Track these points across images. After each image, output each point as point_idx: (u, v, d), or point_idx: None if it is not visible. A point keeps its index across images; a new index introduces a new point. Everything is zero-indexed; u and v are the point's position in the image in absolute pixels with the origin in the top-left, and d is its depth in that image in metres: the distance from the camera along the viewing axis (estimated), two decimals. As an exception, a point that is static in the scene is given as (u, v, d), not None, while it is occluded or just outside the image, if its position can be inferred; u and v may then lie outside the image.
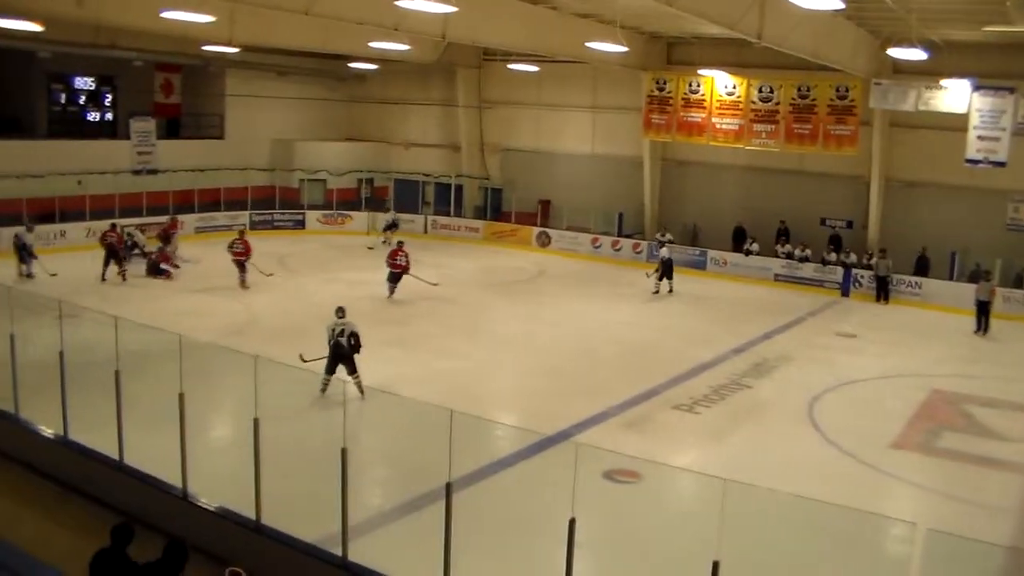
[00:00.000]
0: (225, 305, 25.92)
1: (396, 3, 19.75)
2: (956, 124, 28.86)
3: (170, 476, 11.81)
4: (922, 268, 31.19)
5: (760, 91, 33.43)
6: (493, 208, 41.91)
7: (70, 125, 38.86)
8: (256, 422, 10.78)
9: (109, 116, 40.53)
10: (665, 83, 35.54)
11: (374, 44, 30.37)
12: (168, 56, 37.17)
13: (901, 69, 29.60)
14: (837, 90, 31.89)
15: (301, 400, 17.24)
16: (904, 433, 18.01)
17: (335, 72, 43.42)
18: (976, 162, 28.71)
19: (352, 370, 17.91)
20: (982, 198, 30.53)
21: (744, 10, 21.13)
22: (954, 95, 28.39)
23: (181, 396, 11.47)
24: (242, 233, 29.98)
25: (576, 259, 37.01)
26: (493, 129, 42.81)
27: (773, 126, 33.28)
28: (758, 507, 11.38)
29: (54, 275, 27.24)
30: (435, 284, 28.74)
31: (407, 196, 42.95)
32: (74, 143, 36.27)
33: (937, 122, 30.07)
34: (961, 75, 28.16)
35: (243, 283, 28.20)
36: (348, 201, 41.90)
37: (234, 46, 31.57)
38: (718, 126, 34.48)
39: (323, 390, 17.68)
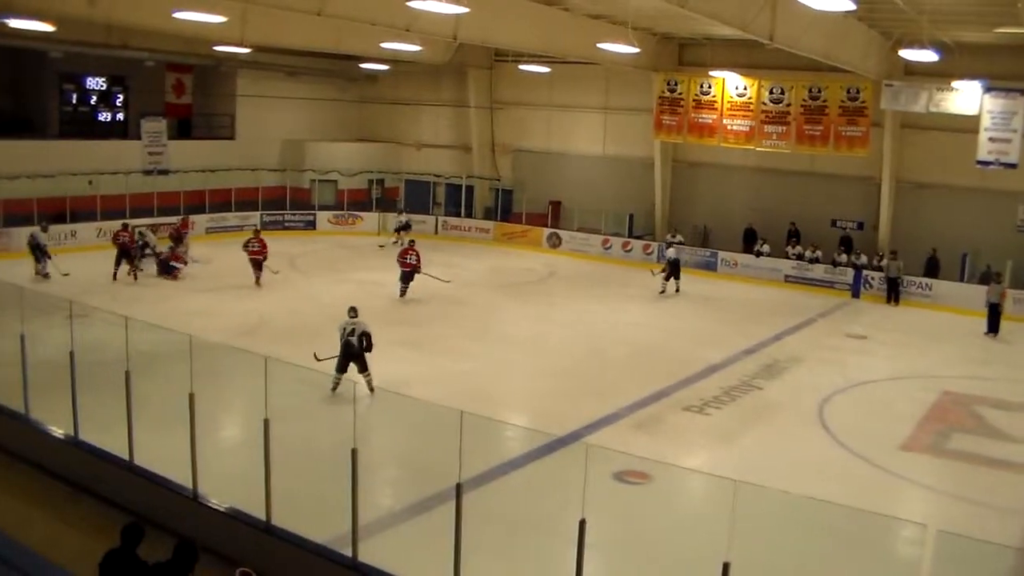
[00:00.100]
0: (235, 305, 25.95)
1: (408, 4, 19.75)
2: (967, 126, 28.84)
3: (180, 476, 11.81)
4: (932, 269, 31.11)
5: (771, 92, 33.39)
6: (504, 209, 41.86)
7: (81, 125, 38.92)
8: (266, 423, 10.78)
9: (120, 116, 40.59)
10: (676, 84, 35.53)
11: (386, 45, 30.37)
12: (179, 56, 37.26)
13: (912, 70, 29.52)
14: (848, 91, 31.84)
15: (311, 401, 17.24)
16: (914, 435, 17.97)
17: (346, 73, 43.46)
18: (987, 164, 28.70)
19: (363, 368, 18.02)
20: (993, 200, 30.45)
21: (756, 11, 21.10)
22: (965, 97, 28.36)
23: (191, 396, 11.49)
24: (258, 232, 30.22)
25: (587, 260, 36.99)
26: (504, 130, 42.82)
27: (784, 127, 33.23)
28: (768, 508, 11.37)
29: (66, 274, 27.38)
30: (447, 281, 28.81)
31: (418, 197, 42.92)
32: (85, 143, 36.34)
33: (948, 124, 30.03)
34: (972, 77, 28.13)
35: (257, 281, 28.40)
36: (359, 202, 41.90)
37: (246, 46, 31.62)
38: (729, 127, 34.45)
39: (334, 389, 17.68)
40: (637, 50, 26.61)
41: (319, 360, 17.98)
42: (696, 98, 35.12)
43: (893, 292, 30.88)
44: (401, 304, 27.09)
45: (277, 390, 11.02)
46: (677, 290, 30.86)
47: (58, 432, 13.73)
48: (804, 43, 23.62)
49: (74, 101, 39.39)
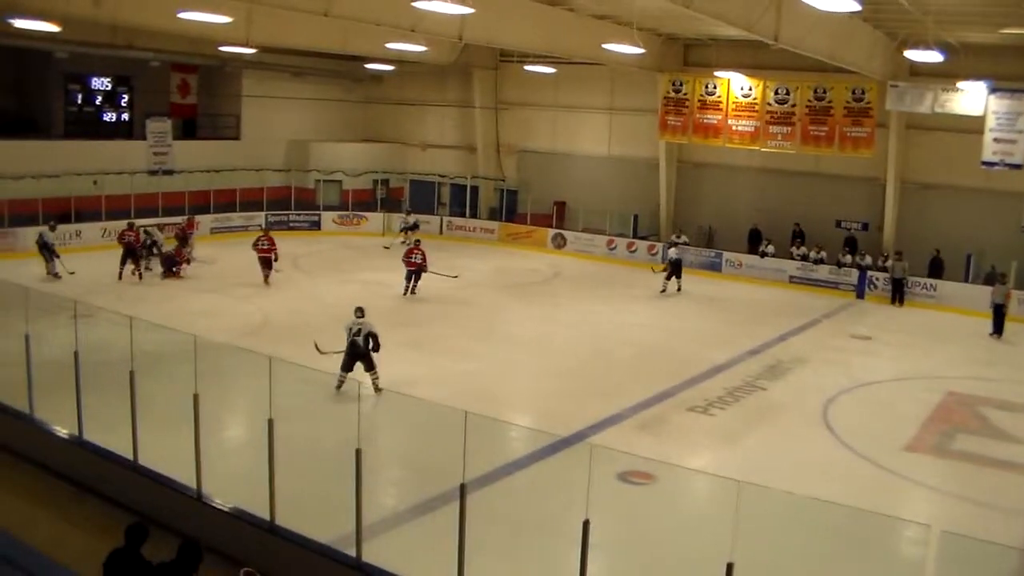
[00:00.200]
0: (240, 305, 25.98)
1: (413, 4, 19.77)
2: (972, 126, 28.82)
3: (184, 476, 11.83)
4: (936, 270, 31.07)
5: (776, 93, 33.38)
6: (508, 209, 41.80)
7: (86, 125, 38.95)
8: (270, 423, 10.79)
9: (125, 116, 40.60)
10: (681, 85, 35.53)
11: (391, 45, 30.36)
12: (185, 56, 37.32)
13: (917, 71, 29.53)
14: (853, 92, 31.83)
15: (315, 401, 17.26)
16: (919, 435, 17.96)
17: (351, 73, 43.49)
18: (992, 164, 28.68)
19: (369, 368, 18.14)
20: (998, 200, 30.41)
21: (761, 12, 21.09)
22: (970, 97, 28.35)
23: (196, 396, 11.49)
24: (267, 231, 30.42)
25: (591, 261, 36.97)
26: (509, 130, 42.81)
27: (789, 128, 33.23)
28: (772, 509, 11.36)
29: (72, 273, 27.51)
30: (455, 277, 28.97)
31: (422, 197, 42.92)
32: (90, 143, 36.37)
33: (953, 124, 30.01)
34: (977, 77, 28.13)
35: (267, 280, 28.64)
36: (364, 202, 41.93)
37: (251, 47, 31.64)
38: (734, 128, 34.45)
39: (338, 387, 17.79)
40: (642, 51, 26.61)
41: (320, 352, 18.19)
42: (701, 99, 35.11)
43: (898, 293, 30.84)
44: (406, 304, 27.13)
45: (281, 390, 11.03)
46: (679, 289, 30.92)
47: (62, 432, 13.76)
48: (809, 44, 23.59)
49: (79, 101, 39.41)
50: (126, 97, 40.74)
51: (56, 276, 27.60)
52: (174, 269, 29.21)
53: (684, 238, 35.48)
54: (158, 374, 13.98)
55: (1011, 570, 10.66)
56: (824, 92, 32.44)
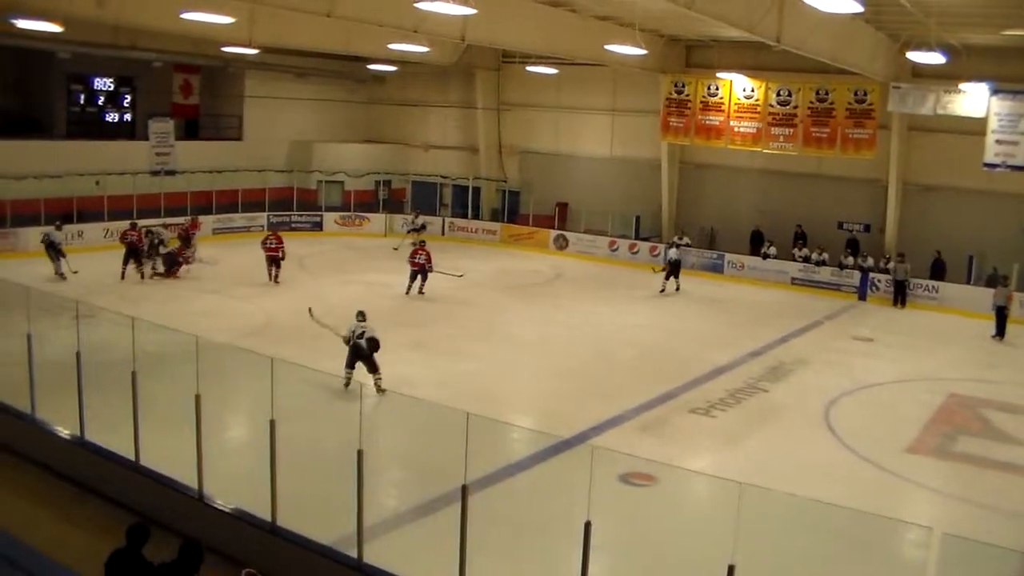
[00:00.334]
0: (242, 306, 26.00)
1: (416, 5, 19.77)
2: (974, 128, 28.80)
3: (186, 477, 11.84)
4: (937, 272, 31.07)
5: (778, 94, 33.39)
6: (510, 210, 41.79)
7: (89, 126, 38.94)
8: (272, 424, 10.79)
9: (128, 117, 40.59)
10: (683, 86, 35.54)
11: (393, 46, 30.35)
12: (187, 57, 37.33)
13: (920, 73, 29.52)
14: (855, 94, 31.84)
15: (317, 401, 17.28)
16: (920, 437, 17.96)
17: (354, 74, 43.50)
18: (994, 166, 28.67)
19: (372, 369, 18.27)
20: (1000, 202, 30.42)
21: (763, 13, 21.08)
22: (973, 99, 28.35)
23: (197, 397, 11.50)
24: (275, 230, 30.75)
25: (593, 262, 36.97)
26: (511, 131, 42.83)
27: (791, 129, 33.24)
28: (774, 511, 11.36)
29: (75, 272, 27.56)
30: (460, 275, 29.01)
31: (425, 198, 42.87)
32: (93, 144, 36.37)
33: (955, 126, 29.99)
34: (980, 79, 28.13)
35: (276, 279, 29.00)
36: (366, 203, 41.98)
37: (253, 47, 31.63)
38: (736, 129, 34.47)
39: (346, 385, 17.95)
40: (644, 52, 26.61)
41: (312, 316, 19.25)
42: (703, 100, 35.13)
43: (900, 295, 30.83)
44: (408, 305, 27.13)
45: (283, 391, 11.04)
46: (677, 289, 31.05)
47: (64, 432, 13.77)
48: (811, 45, 23.59)
49: (82, 102, 39.41)
50: (128, 97, 40.73)
51: (62, 276, 27.61)
52: (172, 268, 29.23)
53: (686, 239, 35.49)
54: (160, 374, 13.99)
55: (1013, 573, 10.64)
56: (826, 94, 32.46)
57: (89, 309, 17.39)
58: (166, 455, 12.35)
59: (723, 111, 34.70)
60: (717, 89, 34.80)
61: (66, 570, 9.32)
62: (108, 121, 40.02)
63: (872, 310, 30.67)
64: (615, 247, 37.50)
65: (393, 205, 42.71)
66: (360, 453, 10.11)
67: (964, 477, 16.26)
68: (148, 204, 34.68)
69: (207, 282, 28.89)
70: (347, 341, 18.45)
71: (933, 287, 30.79)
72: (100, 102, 39.94)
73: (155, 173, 37.07)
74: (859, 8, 17.11)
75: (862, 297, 31.87)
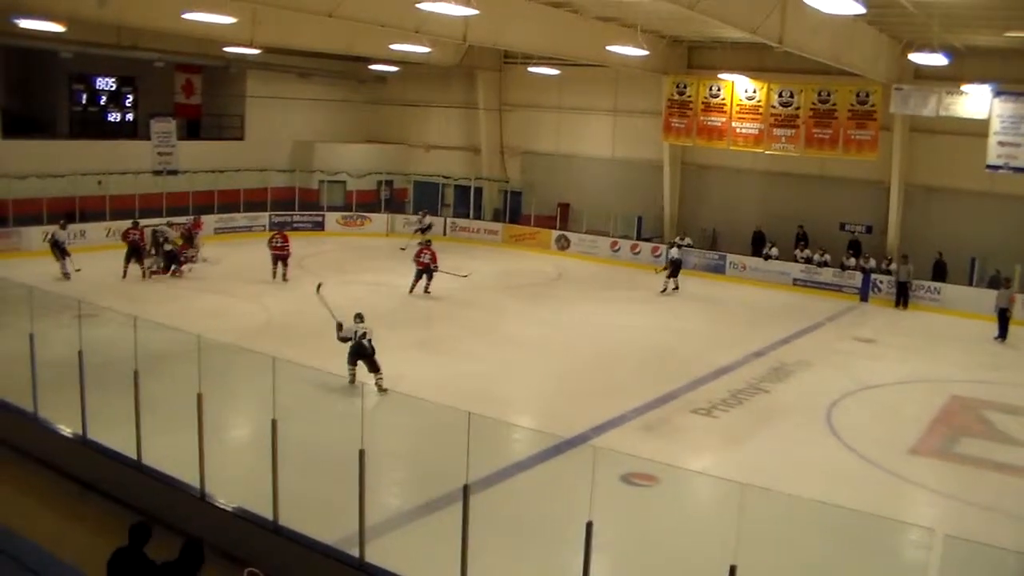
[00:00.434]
0: (244, 305, 26.01)
1: (418, 6, 19.78)
2: (977, 130, 28.76)
3: (188, 476, 11.86)
4: (939, 273, 31.06)
5: (780, 95, 33.39)
6: (512, 211, 41.78)
7: (91, 125, 38.90)
8: (274, 423, 10.79)
9: (130, 116, 40.55)
10: (685, 87, 35.54)
11: (395, 46, 30.37)
12: (189, 57, 37.35)
13: (922, 74, 29.52)
14: (857, 95, 31.83)
15: (319, 401, 17.29)
16: (922, 439, 17.95)
17: (356, 74, 43.53)
18: (997, 168, 28.65)
19: (373, 368, 18.36)
20: (1002, 204, 30.41)
21: (766, 14, 21.09)
22: (975, 100, 28.32)
23: (199, 396, 11.52)
24: (282, 229, 31.01)
25: (595, 262, 36.97)
26: (513, 132, 42.85)
27: (793, 131, 33.22)
28: (775, 511, 11.37)
29: (78, 270, 27.63)
30: (465, 276, 29.01)
31: (427, 198, 42.88)
32: (95, 143, 36.35)
33: (958, 127, 29.92)
34: (982, 80, 28.12)
35: (285, 276, 29.37)
36: (368, 203, 41.97)
37: (255, 47, 31.65)
38: (738, 130, 34.46)
39: (351, 381, 18.07)
40: (646, 53, 26.61)
41: (318, 293, 19.71)
42: (705, 101, 35.13)
43: (903, 296, 30.82)
44: (409, 305, 27.15)
45: (285, 390, 11.05)
46: (675, 288, 31.14)
47: (67, 431, 13.79)
48: (813, 46, 23.59)
49: (84, 101, 39.37)
50: (131, 97, 40.67)
51: (67, 276, 27.63)
52: (173, 267, 29.24)
53: (688, 240, 35.49)
54: (162, 373, 14.01)
55: (1015, 574, 10.65)
56: (828, 95, 32.45)
57: (91, 308, 17.39)
58: (168, 454, 12.37)
59: (725, 112, 34.70)
60: (719, 90, 34.80)
61: (69, 567, 9.32)
62: (110, 121, 39.98)
63: (874, 311, 30.66)
64: (617, 248, 37.49)
65: (395, 205, 42.72)
66: (362, 453, 10.12)
67: (966, 478, 16.25)
68: (150, 204, 34.64)
69: (209, 281, 28.92)
70: (344, 340, 18.59)
71: (935, 288, 30.77)
72: (102, 102, 39.90)
73: (157, 173, 37.08)
74: (861, 9, 17.08)
75: (864, 298, 31.85)
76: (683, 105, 35.63)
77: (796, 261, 33.63)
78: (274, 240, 29.69)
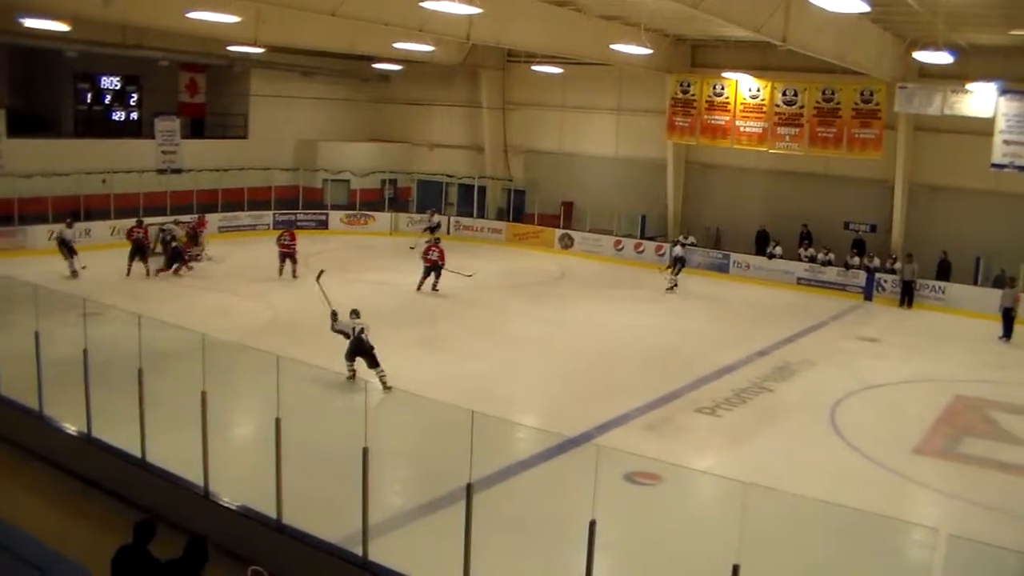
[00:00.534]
0: (248, 304, 26.04)
1: (421, 4, 19.78)
2: (982, 128, 28.71)
3: (192, 474, 11.86)
4: (943, 272, 31.04)
5: (784, 94, 33.35)
6: (516, 210, 41.82)
7: (96, 124, 39.03)
8: (278, 422, 10.81)
9: (134, 115, 40.68)
10: (689, 86, 35.52)
11: (399, 45, 30.42)
12: (193, 56, 37.38)
13: (926, 73, 29.46)
14: (862, 94, 31.79)
15: (322, 399, 17.29)
16: (926, 438, 17.93)
17: (359, 73, 43.55)
18: (1002, 167, 28.60)
19: (373, 364, 18.35)
20: (1007, 203, 30.34)
21: (769, 13, 21.08)
22: (980, 99, 28.25)
23: (203, 394, 11.53)
24: (290, 227, 31.45)
25: (599, 261, 36.96)
26: (517, 131, 42.85)
27: (797, 129, 33.19)
28: (779, 511, 11.37)
29: (84, 268, 27.76)
30: (470, 275, 29.07)
31: (430, 197, 42.92)
32: (99, 142, 36.44)
33: (962, 126, 29.89)
34: (987, 79, 28.05)
35: (294, 273, 29.60)
36: (371, 202, 41.95)
37: (259, 46, 31.72)
38: (742, 129, 34.43)
39: (350, 377, 18.14)
40: (650, 51, 26.64)
41: (318, 280, 20.19)
42: (709, 100, 35.10)
43: (907, 295, 30.79)
44: (413, 304, 27.18)
45: (289, 388, 11.05)
46: (675, 285, 31.25)
47: (71, 429, 13.80)
48: (817, 45, 23.57)
49: (88, 100, 39.50)
50: (135, 96, 40.83)
51: (75, 275, 27.66)
52: (176, 265, 29.27)
53: (692, 239, 35.49)
54: (166, 372, 14.04)
55: (1019, 574, 10.64)
56: (832, 94, 32.41)
57: (96, 306, 17.45)
58: (172, 452, 12.39)
59: (729, 111, 34.67)
60: (723, 89, 34.77)
61: (73, 564, 9.33)
62: (115, 119, 40.11)
63: (878, 310, 30.65)
64: (620, 246, 37.50)
65: (399, 204, 42.75)
66: (365, 451, 10.11)
67: (970, 478, 16.22)
68: (154, 202, 34.66)
69: (213, 280, 28.97)
70: (338, 331, 18.75)
71: (940, 288, 30.74)
72: (107, 101, 40.04)
73: (161, 171, 37.12)
74: (865, 8, 17.09)
75: (868, 297, 31.84)
76: (687, 104, 35.61)
77: (800, 260, 33.62)
78: (282, 238, 29.97)
